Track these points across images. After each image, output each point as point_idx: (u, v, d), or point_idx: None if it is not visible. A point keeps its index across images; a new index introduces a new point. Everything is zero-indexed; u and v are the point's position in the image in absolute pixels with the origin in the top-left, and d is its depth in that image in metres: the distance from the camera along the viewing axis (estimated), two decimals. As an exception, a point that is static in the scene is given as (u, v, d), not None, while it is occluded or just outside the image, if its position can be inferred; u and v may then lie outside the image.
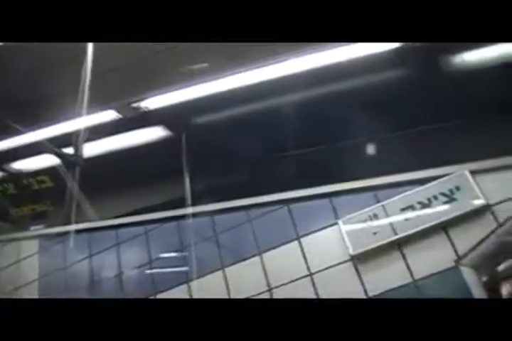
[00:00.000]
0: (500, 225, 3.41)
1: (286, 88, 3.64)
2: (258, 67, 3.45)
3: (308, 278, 3.71)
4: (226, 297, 3.86)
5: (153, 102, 3.88)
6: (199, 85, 3.64)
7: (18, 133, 4.26)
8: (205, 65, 3.34)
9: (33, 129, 4.20)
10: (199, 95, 3.72)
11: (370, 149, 3.82)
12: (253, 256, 3.94)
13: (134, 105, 3.90)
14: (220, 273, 4.03)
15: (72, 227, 3.86)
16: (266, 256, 3.90)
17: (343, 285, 3.60)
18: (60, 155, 4.05)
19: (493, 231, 3.41)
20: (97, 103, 3.76)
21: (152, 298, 4.07)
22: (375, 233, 3.66)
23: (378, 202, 3.73)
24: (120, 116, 4.01)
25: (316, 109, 3.76)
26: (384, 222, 3.68)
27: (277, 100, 3.84)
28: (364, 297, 3.51)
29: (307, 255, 3.78)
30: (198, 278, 4.00)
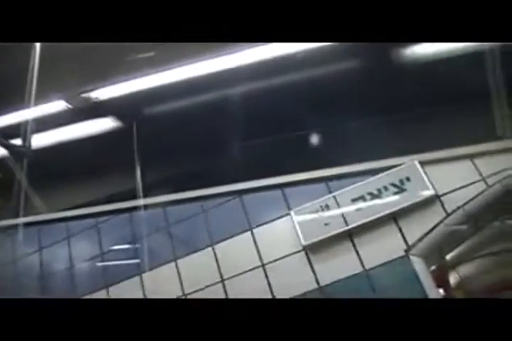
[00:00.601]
0: (448, 215, 3.48)
1: (235, 79, 3.63)
2: (206, 58, 3.43)
3: (261, 268, 3.72)
4: (179, 288, 3.84)
5: (104, 93, 3.82)
6: (149, 76, 3.60)
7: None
8: (151, 54, 3.29)
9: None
10: (149, 86, 3.68)
11: (322, 140, 3.84)
12: (206, 247, 3.92)
13: (85, 95, 3.82)
14: (172, 264, 4.00)
15: (21, 220, 3.77)
16: (218, 247, 3.88)
17: (295, 276, 3.62)
18: (7, 146, 3.94)
19: (441, 221, 3.48)
20: (47, 93, 3.68)
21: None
22: (326, 224, 3.69)
23: (330, 192, 3.76)
24: (70, 106, 3.94)
25: (265, 100, 3.76)
26: (335, 212, 3.71)
27: (228, 91, 3.83)
28: (316, 287, 3.55)
29: (260, 246, 3.78)
30: (150, 269, 3.96)
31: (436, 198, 3.52)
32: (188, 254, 3.96)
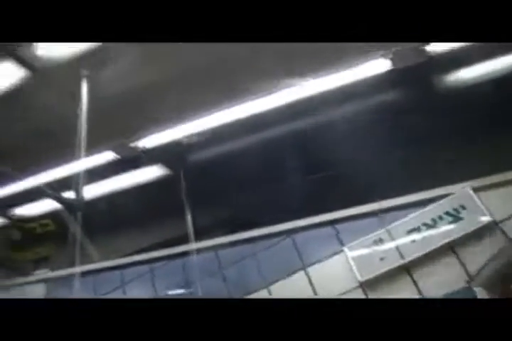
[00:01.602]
0: (510, 241, 3.35)
1: (281, 118, 3.64)
2: (249, 99, 3.45)
3: (318, 308, 3.63)
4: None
5: (150, 141, 3.88)
6: (192, 122, 3.64)
7: (17, 179, 4.26)
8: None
9: (32, 174, 4.20)
10: (193, 131, 3.72)
11: (370, 174, 3.78)
12: (261, 288, 3.87)
13: (132, 145, 3.89)
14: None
15: (78, 269, 3.81)
16: (273, 288, 3.83)
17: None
18: (60, 199, 4.03)
19: (502, 248, 3.35)
20: (95, 144, 3.76)
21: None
22: (382, 258, 3.60)
23: (383, 226, 3.68)
24: (118, 156, 4.01)
25: (311, 137, 3.75)
26: (390, 246, 3.62)
27: (274, 130, 3.84)
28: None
29: (315, 284, 3.71)
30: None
31: (494, 225, 3.40)
32: (243, 297, 3.92)
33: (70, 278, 4.16)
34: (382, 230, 3.67)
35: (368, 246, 3.67)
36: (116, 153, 4.01)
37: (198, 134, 3.75)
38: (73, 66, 3.29)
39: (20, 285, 4.76)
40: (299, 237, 3.89)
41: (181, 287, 4.16)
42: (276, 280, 3.85)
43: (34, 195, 4.29)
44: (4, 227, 4.58)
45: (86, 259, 4.15)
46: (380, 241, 3.66)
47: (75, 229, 3.77)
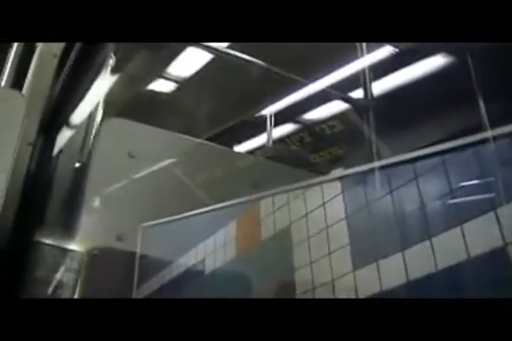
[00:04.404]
0: None
1: None
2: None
3: None
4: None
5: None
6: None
7: (304, 85, 4.57)
8: None
9: (317, 79, 4.46)
10: None
11: None
12: None
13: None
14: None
15: (371, 166, 4.01)
16: None
17: None
18: (347, 100, 4.22)
19: None
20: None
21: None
22: None
23: None
24: (397, 50, 3.99)
25: None
26: None
27: None
28: None
29: None
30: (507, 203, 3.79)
31: None
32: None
33: (363, 174, 4.42)
34: None
35: None
36: (395, 46, 4.00)
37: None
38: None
39: (319, 184, 5.22)
40: None
41: (477, 177, 4.07)
42: None
43: (321, 99, 4.58)
44: (297, 132, 5.02)
45: (377, 156, 4.33)
46: None
47: (364, 127, 3.94)
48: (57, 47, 2.36)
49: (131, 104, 4.75)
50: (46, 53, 2.34)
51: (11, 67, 2.42)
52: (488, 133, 3.74)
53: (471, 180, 4.19)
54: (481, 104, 3.82)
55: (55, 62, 2.35)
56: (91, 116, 3.08)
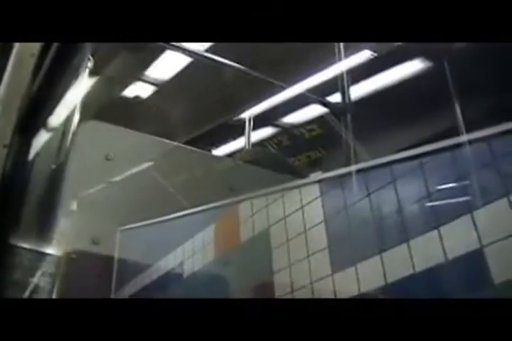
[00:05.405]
0: None
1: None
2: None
3: None
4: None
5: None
6: None
7: (282, 89, 4.59)
8: None
9: (295, 83, 4.48)
10: None
11: None
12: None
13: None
14: (504, 201, 3.81)
15: (349, 169, 4.03)
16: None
17: None
18: (325, 104, 4.25)
19: None
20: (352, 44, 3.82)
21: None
22: None
23: None
24: (375, 54, 4.03)
25: None
26: None
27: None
28: None
29: None
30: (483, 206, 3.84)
31: None
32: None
33: (341, 177, 4.44)
34: None
35: None
36: (373, 51, 4.04)
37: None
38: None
39: (297, 187, 5.22)
40: None
41: (454, 181, 4.11)
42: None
43: (299, 102, 4.60)
44: (276, 135, 5.03)
45: (355, 159, 4.36)
46: None
47: (342, 131, 3.96)
48: (36, 46, 2.30)
49: (109, 107, 4.71)
50: (23, 52, 2.28)
51: (-15, 67, 2.37)
52: (464, 137, 3.79)
53: (447, 183, 4.23)
54: (457, 109, 3.88)
55: (32, 61, 2.29)
56: (68, 118, 3.04)
